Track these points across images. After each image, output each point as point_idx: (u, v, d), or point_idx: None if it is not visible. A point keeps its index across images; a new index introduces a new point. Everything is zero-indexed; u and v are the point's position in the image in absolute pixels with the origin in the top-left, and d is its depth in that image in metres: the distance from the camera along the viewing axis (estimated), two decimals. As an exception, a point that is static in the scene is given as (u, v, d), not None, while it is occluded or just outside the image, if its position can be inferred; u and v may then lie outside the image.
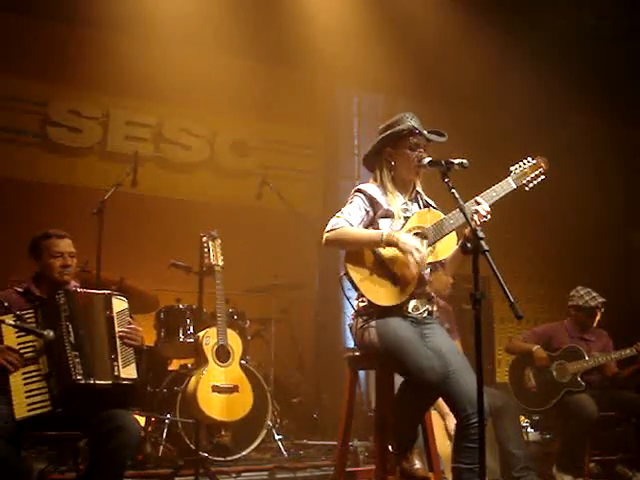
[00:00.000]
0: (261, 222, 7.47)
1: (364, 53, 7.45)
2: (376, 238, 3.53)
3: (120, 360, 3.66)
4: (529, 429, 6.42)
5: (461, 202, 3.31)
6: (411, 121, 3.70)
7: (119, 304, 3.80)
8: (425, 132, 3.67)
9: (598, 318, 5.96)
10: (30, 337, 3.54)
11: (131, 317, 3.85)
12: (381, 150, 3.76)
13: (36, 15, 7.01)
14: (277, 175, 7.59)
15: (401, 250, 3.48)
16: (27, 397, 3.46)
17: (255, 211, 7.43)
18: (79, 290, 3.83)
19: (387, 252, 3.56)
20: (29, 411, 3.44)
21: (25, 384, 3.47)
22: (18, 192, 6.83)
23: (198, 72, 7.41)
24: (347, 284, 3.61)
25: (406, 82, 7.68)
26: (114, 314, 3.74)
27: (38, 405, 3.46)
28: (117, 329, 3.71)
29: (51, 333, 3.54)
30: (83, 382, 3.51)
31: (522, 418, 6.11)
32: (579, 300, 5.85)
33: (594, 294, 5.84)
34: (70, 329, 3.58)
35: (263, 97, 7.79)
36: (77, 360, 3.53)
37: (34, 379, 3.49)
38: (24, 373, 3.49)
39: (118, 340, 3.69)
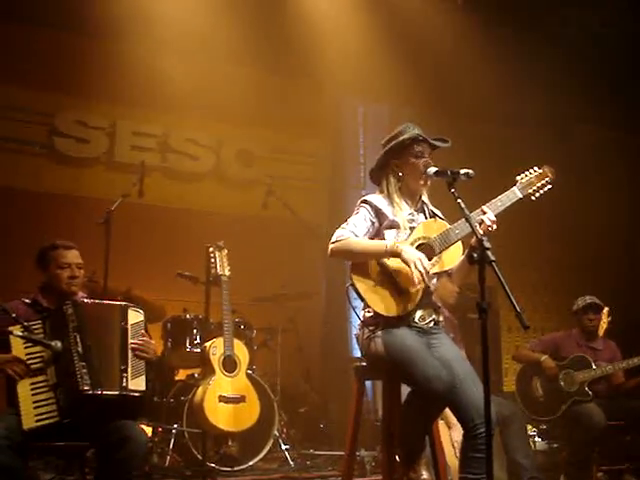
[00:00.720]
0: (267, 232, 7.47)
1: (369, 63, 7.46)
2: (380, 249, 3.54)
3: (130, 371, 3.66)
4: (536, 438, 6.39)
5: (467, 212, 3.31)
6: (414, 130, 3.71)
7: (135, 316, 3.81)
8: (429, 139, 3.68)
9: (605, 326, 5.94)
10: (38, 348, 3.55)
11: (146, 330, 3.86)
12: (387, 163, 3.76)
13: (43, 26, 7.05)
14: (283, 185, 7.60)
15: (404, 261, 3.48)
16: (35, 407, 3.46)
17: (261, 221, 7.44)
18: (87, 301, 3.83)
19: (392, 263, 3.56)
20: (37, 421, 3.44)
21: (33, 394, 3.48)
22: (25, 202, 6.86)
23: (204, 82, 7.43)
24: (353, 294, 3.61)
25: (411, 92, 7.68)
26: (129, 325, 3.75)
27: (46, 415, 3.46)
28: (130, 341, 3.72)
29: (59, 344, 3.55)
30: (90, 392, 3.51)
31: (529, 427, 6.09)
32: (574, 306, 5.93)
33: (586, 297, 5.89)
34: (78, 340, 3.58)
35: (269, 107, 7.81)
36: (84, 370, 3.53)
37: (42, 390, 3.50)
38: (32, 384, 3.50)
39: (130, 351, 3.70)
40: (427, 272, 3.44)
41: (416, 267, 3.41)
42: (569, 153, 8.03)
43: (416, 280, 3.42)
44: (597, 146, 8.85)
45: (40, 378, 3.52)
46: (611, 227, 8.75)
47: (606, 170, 8.76)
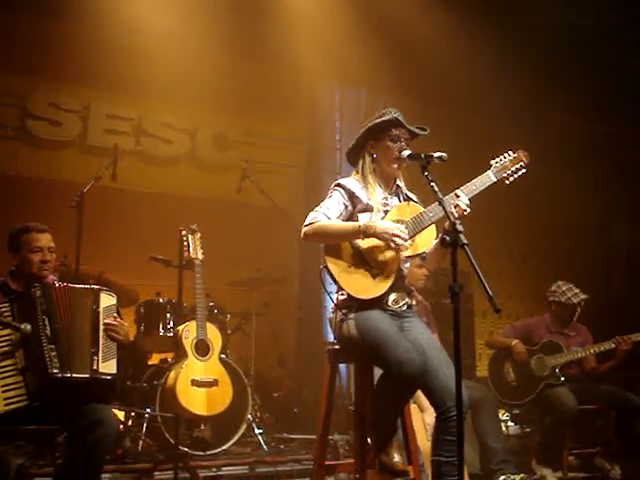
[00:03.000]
0: (242, 216, 7.45)
1: (346, 48, 7.43)
2: (354, 230, 3.53)
3: (101, 354, 3.65)
4: (509, 423, 6.44)
5: (440, 195, 3.31)
6: (394, 114, 3.71)
7: (107, 299, 3.79)
8: (407, 125, 3.68)
9: (578, 313, 5.97)
10: (6, 331, 3.51)
11: (118, 313, 3.83)
12: (364, 143, 3.76)
13: (16, 9, 6.92)
14: (258, 169, 7.56)
15: (380, 237, 3.48)
16: (3, 392, 3.44)
17: (236, 205, 7.42)
18: (57, 284, 3.79)
19: (366, 245, 3.56)
20: (6, 405, 3.42)
21: (1, 379, 3.45)
22: (-3, 186, 6.78)
23: (179, 66, 7.34)
24: (327, 278, 3.60)
25: (388, 78, 7.67)
26: (100, 309, 3.73)
27: (15, 399, 3.44)
28: (102, 324, 3.69)
29: (28, 327, 3.51)
30: (59, 375, 3.50)
31: (502, 412, 6.13)
32: (561, 296, 5.83)
33: (576, 290, 5.82)
34: (46, 322, 3.56)
35: (245, 91, 7.77)
36: (53, 354, 3.52)
37: (10, 373, 3.47)
38: (0, 367, 3.46)
39: (102, 335, 3.68)
40: (405, 238, 3.47)
41: (394, 234, 3.44)
42: (543, 141, 8.05)
43: (399, 242, 3.45)
44: (570, 135, 8.90)
45: (8, 362, 3.48)
46: (585, 214, 8.81)
47: (579, 159, 8.81)
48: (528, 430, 6.40)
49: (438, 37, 7.25)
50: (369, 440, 3.65)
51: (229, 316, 6.13)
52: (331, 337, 3.85)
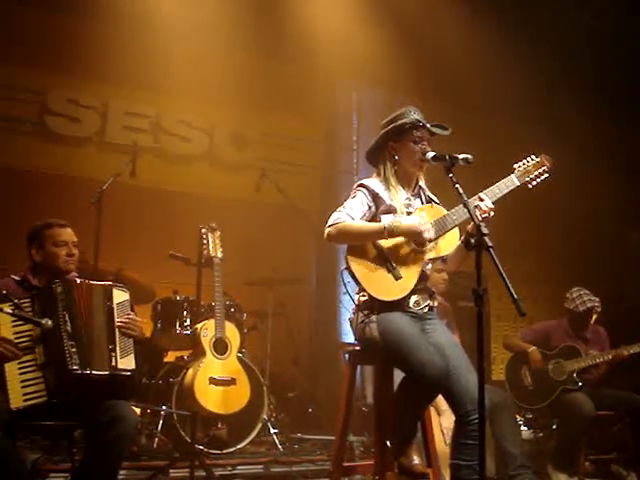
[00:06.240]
0: (259, 215, 7.43)
1: (364, 47, 7.42)
2: (379, 229, 3.52)
3: (118, 351, 3.63)
4: (522, 427, 6.40)
5: (465, 197, 3.29)
6: (414, 115, 3.69)
7: (120, 295, 3.78)
8: (428, 125, 3.66)
9: (595, 316, 5.93)
10: (27, 326, 3.50)
11: (132, 309, 3.83)
12: (384, 144, 3.74)
13: (36, 4, 6.96)
14: (276, 168, 7.55)
15: (407, 235, 3.46)
16: (23, 387, 3.42)
17: (253, 204, 7.40)
18: (77, 280, 3.78)
19: (389, 246, 3.54)
20: (25, 401, 3.40)
21: (21, 374, 3.43)
22: (16, 181, 6.78)
23: (198, 64, 7.35)
24: (347, 278, 3.59)
25: (406, 77, 7.66)
26: (114, 305, 3.72)
27: (34, 395, 3.43)
28: (116, 320, 3.69)
29: (49, 322, 3.50)
30: (79, 372, 3.48)
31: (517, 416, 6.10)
32: (571, 304, 5.80)
33: (585, 298, 5.76)
34: (67, 318, 3.54)
35: (263, 90, 7.75)
36: (73, 350, 3.50)
37: (30, 369, 3.46)
38: (20, 362, 3.45)
39: (117, 331, 3.67)
40: (430, 229, 3.49)
41: (419, 229, 3.45)
42: (556, 143, 8.01)
43: (427, 236, 3.46)
44: (583, 137, 8.84)
45: (28, 357, 3.47)
46: (597, 217, 8.75)
47: (591, 161, 8.76)
48: (541, 435, 6.36)
49: (457, 38, 7.24)
50: (388, 442, 3.64)
51: (245, 315, 6.12)
52: (346, 337, 3.84)
